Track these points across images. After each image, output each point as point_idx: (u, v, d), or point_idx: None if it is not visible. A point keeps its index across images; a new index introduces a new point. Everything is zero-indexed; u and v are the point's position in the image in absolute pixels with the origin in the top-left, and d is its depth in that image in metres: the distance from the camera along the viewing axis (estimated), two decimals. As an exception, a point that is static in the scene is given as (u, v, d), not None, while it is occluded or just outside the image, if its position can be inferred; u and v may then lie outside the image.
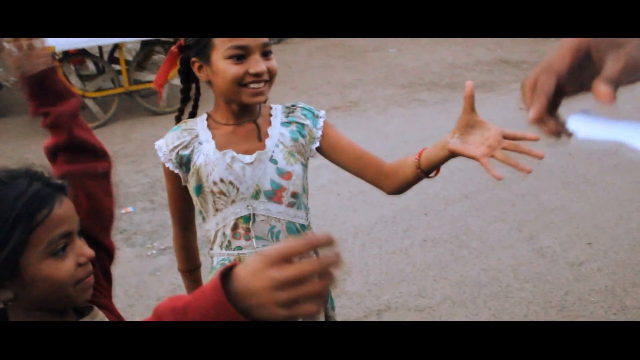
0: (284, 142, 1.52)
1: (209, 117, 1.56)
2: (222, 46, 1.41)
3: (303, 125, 1.54)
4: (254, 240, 1.52)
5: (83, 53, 6.19)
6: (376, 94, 6.89)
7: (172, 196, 1.63)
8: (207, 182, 1.49)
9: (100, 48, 6.69)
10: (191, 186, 1.54)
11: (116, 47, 6.44)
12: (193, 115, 1.63)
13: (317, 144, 1.55)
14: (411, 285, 3.25)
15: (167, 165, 1.54)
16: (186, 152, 1.51)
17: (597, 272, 3.29)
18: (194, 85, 1.61)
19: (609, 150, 4.56)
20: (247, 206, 1.50)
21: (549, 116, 0.78)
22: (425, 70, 7.77)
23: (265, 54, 1.44)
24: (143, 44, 6.57)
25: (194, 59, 1.49)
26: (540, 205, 4.06)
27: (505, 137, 1.17)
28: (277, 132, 1.52)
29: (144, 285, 3.37)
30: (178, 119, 1.62)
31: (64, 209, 1.01)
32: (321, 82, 7.54)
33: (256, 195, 1.49)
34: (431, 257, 3.53)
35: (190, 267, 1.75)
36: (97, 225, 1.28)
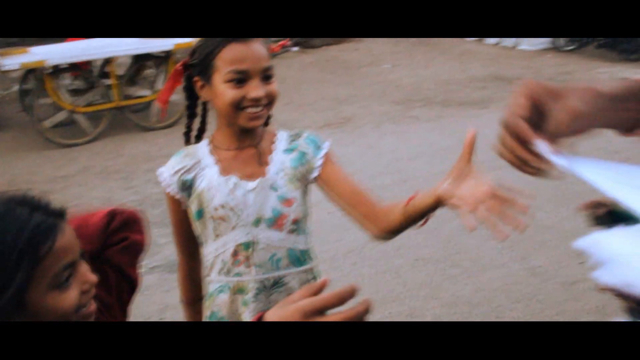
0: (285, 170, 1.51)
1: (211, 141, 1.55)
2: (223, 69, 1.41)
3: (304, 153, 1.53)
4: (253, 268, 1.51)
5: (74, 67, 6.12)
6: (370, 110, 6.86)
7: (176, 224, 1.60)
8: (208, 207, 1.48)
9: (90, 62, 6.53)
10: (191, 210, 1.52)
11: (107, 61, 6.34)
12: (201, 132, 1.63)
13: (316, 174, 1.53)
14: (402, 305, 3.21)
15: (168, 190, 1.53)
16: (189, 176, 1.51)
17: (589, 291, 3.24)
18: (200, 102, 1.61)
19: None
20: (247, 233, 1.49)
21: (532, 155, 0.83)
22: (419, 87, 7.74)
23: (266, 78, 1.44)
24: (134, 58, 6.44)
25: (196, 78, 1.49)
26: (534, 223, 4.02)
27: (496, 197, 1.15)
28: (279, 159, 1.52)
29: (133, 304, 3.30)
30: (187, 135, 1.63)
31: (67, 238, 0.97)
32: (315, 97, 7.52)
33: (257, 223, 1.48)
34: (423, 276, 3.48)
35: (195, 297, 1.70)
36: (124, 257, 1.29)
